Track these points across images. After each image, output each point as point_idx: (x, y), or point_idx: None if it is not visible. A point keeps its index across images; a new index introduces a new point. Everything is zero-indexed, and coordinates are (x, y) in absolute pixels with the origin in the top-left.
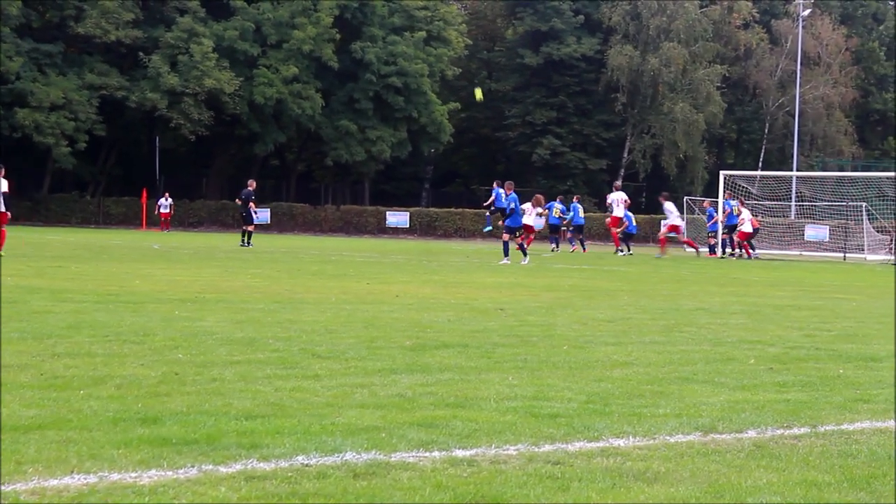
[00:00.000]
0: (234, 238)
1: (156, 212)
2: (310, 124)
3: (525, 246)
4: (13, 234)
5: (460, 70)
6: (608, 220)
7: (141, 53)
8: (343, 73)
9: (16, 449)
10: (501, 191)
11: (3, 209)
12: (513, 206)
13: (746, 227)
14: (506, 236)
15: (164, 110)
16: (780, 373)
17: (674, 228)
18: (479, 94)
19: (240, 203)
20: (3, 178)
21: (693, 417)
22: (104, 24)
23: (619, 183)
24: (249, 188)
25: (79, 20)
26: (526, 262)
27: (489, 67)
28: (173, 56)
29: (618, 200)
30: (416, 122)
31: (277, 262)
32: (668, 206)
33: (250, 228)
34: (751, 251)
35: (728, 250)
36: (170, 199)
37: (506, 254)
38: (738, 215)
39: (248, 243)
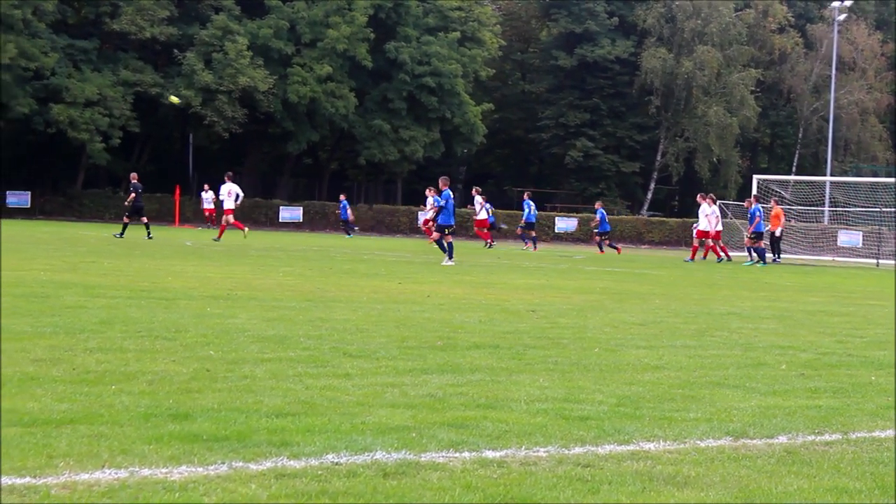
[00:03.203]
0: (267, 236)
1: (201, 206)
2: (343, 123)
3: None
4: (48, 228)
5: (494, 71)
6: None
7: (175, 51)
8: (377, 73)
9: (47, 443)
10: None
11: None
12: (443, 203)
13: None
14: (436, 235)
15: (198, 107)
16: (811, 379)
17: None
18: (174, 99)
19: (134, 196)
20: None
21: (724, 422)
22: (139, 20)
23: (478, 188)
24: (137, 181)
25: (114, 17)
26: (448, 262)
27: (523, 69)
28: (208, 54)
29: (481, 202)
30: (450, 122)
31: (309, 260)
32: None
33: (145, 220)
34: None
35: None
36: (211, 193)
37: (446, 252)
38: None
39: (150, 235)
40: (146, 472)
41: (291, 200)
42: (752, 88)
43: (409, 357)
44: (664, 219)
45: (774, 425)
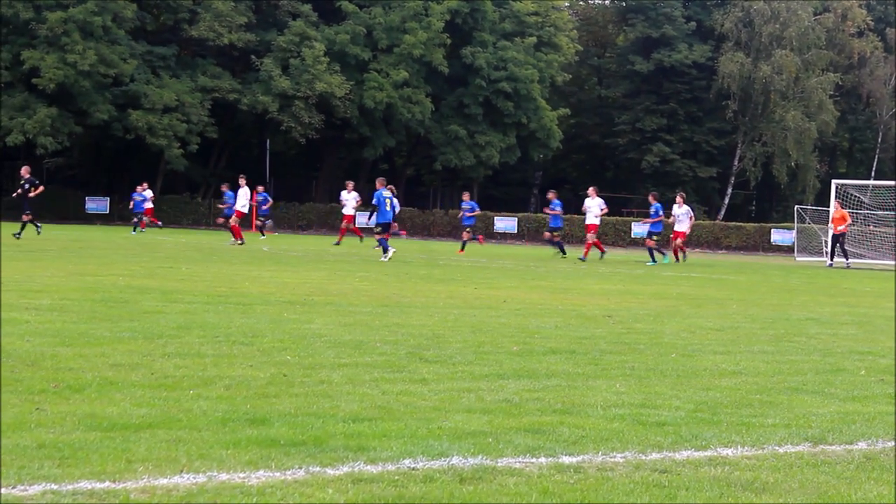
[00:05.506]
0: (343, 241)
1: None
2: (419, 129)
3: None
4: (126, 233)
5: (570, 76)
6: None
7: (253, 57)
8: (453, 78)
9: (126, 447)
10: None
11: None
12: (374, 202)
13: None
14: (377, 234)
15: (274, 113)
16: (891, 384)
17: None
18: None
19: (22, 192)
20: None
21: (802, 428)
22: (217, 27)
23: (351, 181)
24: (30, 175)
25: (192, 23)
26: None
27: (599, 73)
28: (285, 60)
29: (355, 197)
30: (526, 127)
31: (385, 265)
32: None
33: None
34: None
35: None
36: (149, 192)
37: (384, 249)
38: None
39: (21, 234)
40: (224, 476)
41: (368, 206)
42: (831, 93)
43: (486, 362)
44: (741, 224)
45: (854, 431)
